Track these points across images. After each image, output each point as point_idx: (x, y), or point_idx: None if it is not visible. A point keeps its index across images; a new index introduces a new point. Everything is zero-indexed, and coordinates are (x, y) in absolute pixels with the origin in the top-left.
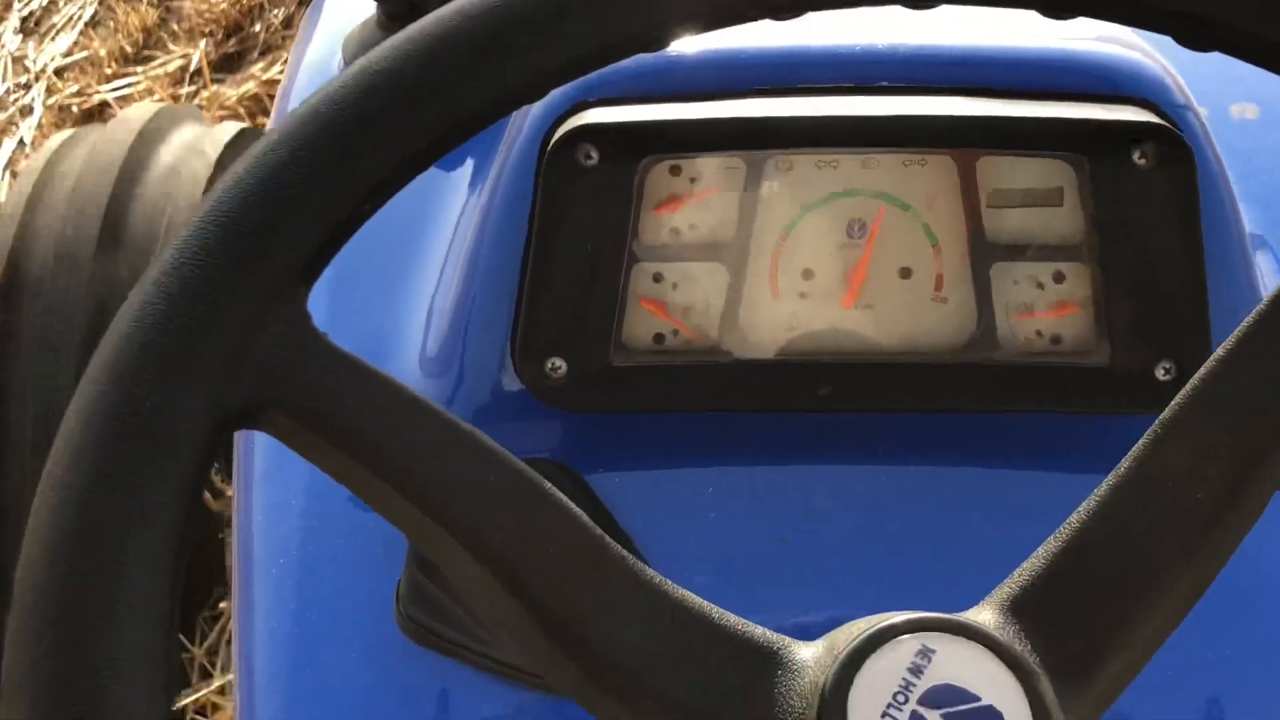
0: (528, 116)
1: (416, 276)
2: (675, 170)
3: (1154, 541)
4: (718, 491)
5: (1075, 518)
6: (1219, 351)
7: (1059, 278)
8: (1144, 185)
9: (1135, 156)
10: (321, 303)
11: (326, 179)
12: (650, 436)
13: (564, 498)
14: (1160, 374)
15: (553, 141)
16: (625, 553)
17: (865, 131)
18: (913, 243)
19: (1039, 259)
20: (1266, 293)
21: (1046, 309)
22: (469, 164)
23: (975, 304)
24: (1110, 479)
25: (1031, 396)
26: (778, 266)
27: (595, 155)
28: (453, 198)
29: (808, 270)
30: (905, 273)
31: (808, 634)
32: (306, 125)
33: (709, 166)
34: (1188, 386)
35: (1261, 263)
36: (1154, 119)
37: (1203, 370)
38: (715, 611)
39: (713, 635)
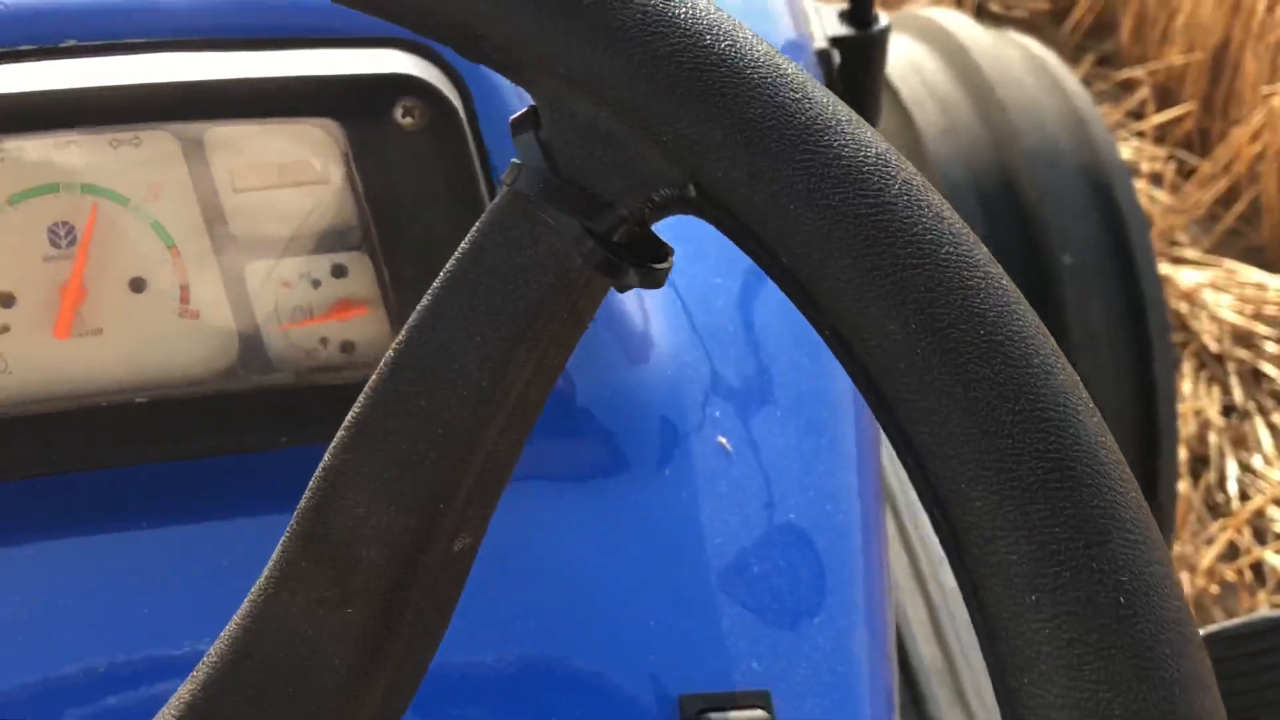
0: None
1: None
2: None
3: None
4: None
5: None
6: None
7: (340, 271)
8: (413, 150)
9: (398, 115)
10: None
11: None
12: None
13: None
14: None
15: None
16: None
17: (47, 108)
18: (142, 246)
19: (310, 251)
20: None
21: (329, 311)
22: None
23: (233, 315)
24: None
25: (318, 422)
26: None
27: None
28: None
29: (5, 294)
30: (138, 285)
31: None
32: None
33: None
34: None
35: None
36: (410, 69)
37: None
38: None
39: None
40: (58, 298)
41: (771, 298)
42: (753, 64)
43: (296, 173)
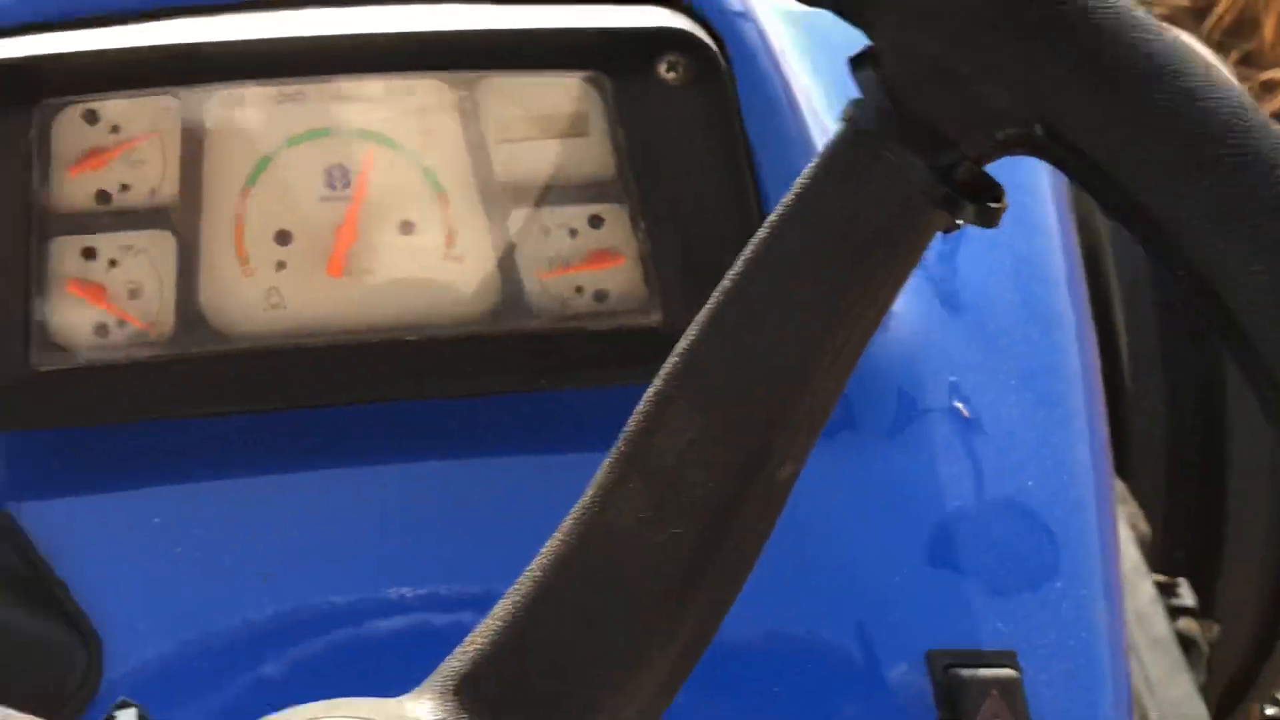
0: None
1: None
2: (90, 116)
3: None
4: (185, 519)
5: (538, 563)
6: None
7: (596, 222)
8: (676, 105)
9: (662, 70)
10: None
11: None
12: (93, 456)
13: None
14: None
15: None
16: None
17: (329, 53)
18: (412, 190)
19: (569, 202)
20: None
21: (585, 261)
22: None
23: (496, 261)
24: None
25: (574, 367)
26: (244, 230)
27: None
28: None
29: (283, 232)
30: (407, 228)
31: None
32: None
33: (133, 109)
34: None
35: None
36: (678, 24)
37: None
38: None
39: None
40: (332, 237)
41: (1002, 267)
42: (1100, 2)
43: (560, 124)
